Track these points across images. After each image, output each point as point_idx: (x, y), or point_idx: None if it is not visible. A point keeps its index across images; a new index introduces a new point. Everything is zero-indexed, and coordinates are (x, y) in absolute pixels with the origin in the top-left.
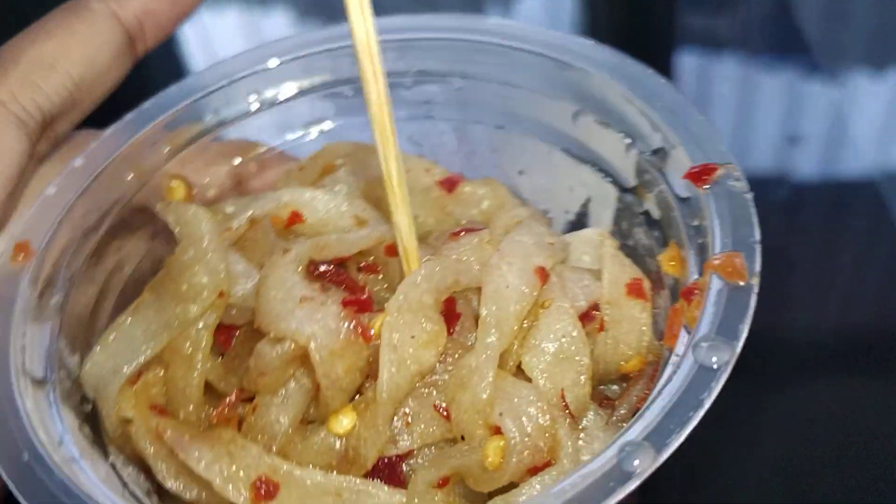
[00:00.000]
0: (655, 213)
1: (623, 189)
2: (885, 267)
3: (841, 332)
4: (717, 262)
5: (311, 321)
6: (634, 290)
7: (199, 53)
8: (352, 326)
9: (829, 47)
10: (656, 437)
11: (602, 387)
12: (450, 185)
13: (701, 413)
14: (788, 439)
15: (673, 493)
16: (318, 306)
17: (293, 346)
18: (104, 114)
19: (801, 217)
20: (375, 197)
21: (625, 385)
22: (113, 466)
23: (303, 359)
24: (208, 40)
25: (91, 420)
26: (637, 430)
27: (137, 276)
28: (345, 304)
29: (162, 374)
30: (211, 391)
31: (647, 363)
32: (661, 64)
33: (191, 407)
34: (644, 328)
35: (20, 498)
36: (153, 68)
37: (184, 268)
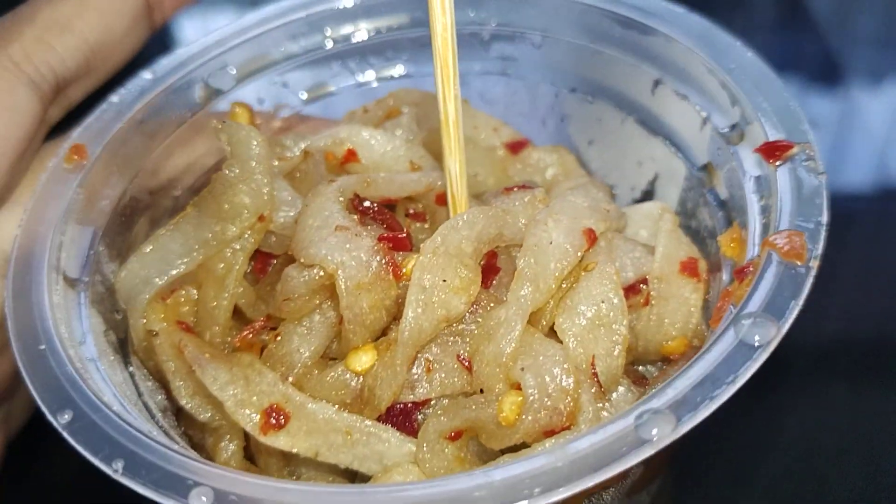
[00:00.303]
0: (723, 193)
1: (693, 166)
2: (889, 277)
3: (847, 340)
4: (776, 239)
5: (341, 250)
6: (688, 268)
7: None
8: (384, 262)
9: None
10: (680, 407)
11: (640, 367)
12: (516, 147)
13: (732, 390)
14: (795, 446)
15: (680, 499)
16: (351, 237)
17: (321, 273)
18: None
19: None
20: (436, 148)
21: (664, 367)
22: (132, 376)
23: (330, 289)
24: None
25: (118, 328)
26: (661, 399)
27: (191, 193)
28: (381, 239)
29: (195, 293)
30: (240, 317)
31: (691, 347)
32: None
33: (217, 328)
34: (693, 309)
35: (27, 382)
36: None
37: (227, 186)
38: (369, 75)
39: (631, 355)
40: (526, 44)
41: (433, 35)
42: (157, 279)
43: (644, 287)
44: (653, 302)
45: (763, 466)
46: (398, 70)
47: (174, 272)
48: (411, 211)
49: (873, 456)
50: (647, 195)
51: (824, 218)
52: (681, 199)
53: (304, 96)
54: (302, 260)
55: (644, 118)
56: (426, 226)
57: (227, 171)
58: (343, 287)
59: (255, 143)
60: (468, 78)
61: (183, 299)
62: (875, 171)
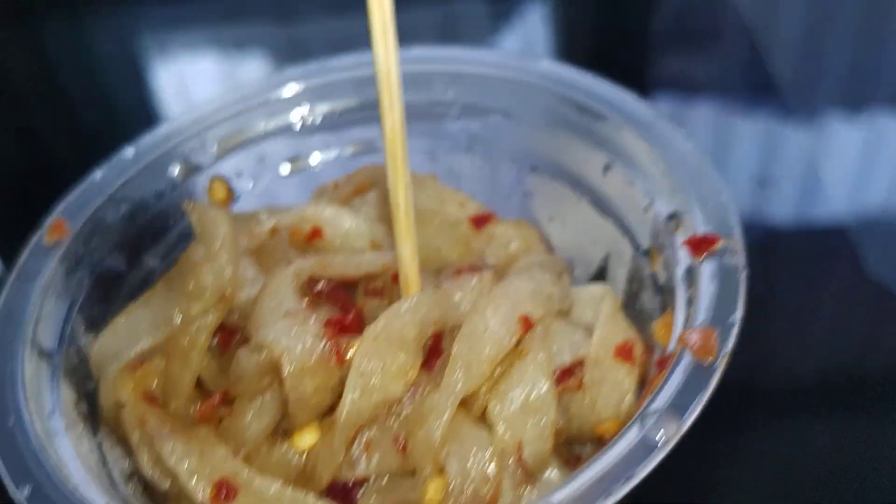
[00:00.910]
0: (661, 278)
1: (638, 249)
2: (862, 311)
3: (820, 374)
4: (690, 335)
5: (288, 335)
6: (623, 352)
7: (174, 101)
8: (327, 347)
9: (803, 91)
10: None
11: (576, 447)
12: (480, 221)
13: (628, 487)
14: (769, 481)
15: None
16: (299, 322)
17: (269, 356)
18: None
19: (778, 260)
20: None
21: (597, 447)
22: (100, 446)
23: (278, 371)
24: (184, 87)
25: (90, 397)
26: (560, 494)
27: (166, 267)
28: (327, 324)
29: (163, 364)
30: (205, 389)
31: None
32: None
33: (181, 400)
34: (626, 392)
35: None
36: (129, 114)
37: (193, 266)
38: (344, 150)
39: (564, 436)
40: (490, 124)
41: (384, 130)
42: (126, 352)
43: (579, 371)
44: (587, 386)
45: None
46: (372, 145)
47: (142, 346)
48: (371, 287)
49: (851, 492)
50: (602, 270)
51: (738, 316)
52: (628, 279)
53: (283, 170)
54: (253, 342)
55: (596, 199)
56: (384, 301)
57: (193, 253)
58: (287, 371)
59: (223, 225)
60: (437, 154)
61: (152, 370)
62: (849, 203)
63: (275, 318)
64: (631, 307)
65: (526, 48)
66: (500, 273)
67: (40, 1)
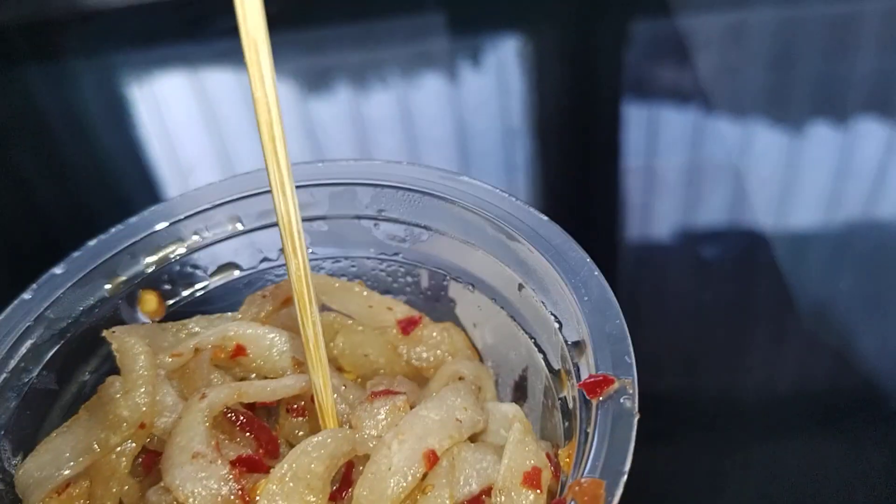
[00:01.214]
0: (569, 403)
1: (550, 369)
2: (839, 327)
3: (796, 393)
4: (578, 487)
5: (194, 479)
6: (531, 479)
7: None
8: (235, 489)
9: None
10: None
11: None
12: (408, 325)
13: None
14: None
15: None
16: (206, 465)
17: (175, 500)
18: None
19: (754, 274)
20: (324, 331)
21: None
22: None
23: None
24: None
25: None
26: None
27: (98, 381)
28: (235, 463)
29: (87, 486)
30: None
31: None
32: (609, 113)
33: None
34: None
35: None
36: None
37: (110, 397)
38: (273, 258)
39: None
40: (413, 234)
41: (289, 274)
42: (50, 479)
43: (487, 499)
44: None
45: None
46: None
47: (65, 473)
48: (294, 406)
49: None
50: (523, 381)
51: (626, 465)
52: (545, 394)
53: (216, 278)
54: (162, 483)
55: (513, 314)
56: (307, 420)
57: (108, 386)
58: None
59: (141, 357)
60: (365, 261)
61: (76, 493)
62: (824, 211)
63: (183, 458)
64: (548, 421)
65: (497, 83)
66: (427, 375)
67: (22, 46)
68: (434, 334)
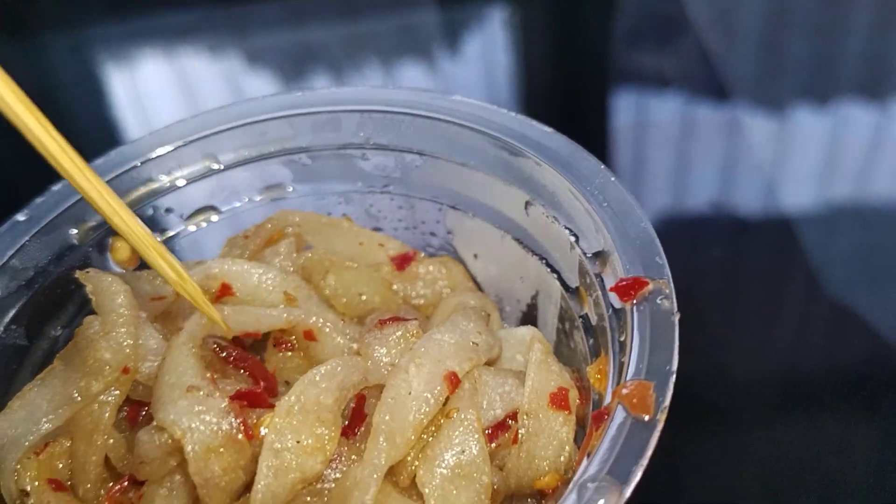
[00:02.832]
0: (593, 319)
1: (567, 288)
2: (821, 314)
3: (786, 374)
4: (625, 390)
5: (190, 414)
6: (558, 400)
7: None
8: (236, 424)
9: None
10: None
11: (517, 502)
12: (403, 261)
13: None
14: (738, 487)
15: None
16: (202, 398)
17: (171, 437)
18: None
19: (741, 259)
20: (317, 271)
21: (542, 502)
22: None
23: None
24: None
25: None
26: None
27: (70, 336)
28: (234, 397)
29: (68, 445)
30: (115, 469)
31: (565, 480)
32: (599, 102)
33: (89, 484)
34: (564, 443)
35: None
36: (87, 133)
37: (90, 341)
38: (255, 196)
39: (502, 495)
40: (405, 163)
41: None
42: (24, 439)
43: (513, 423)
44: (522, 439)
45: None
46: (283, 190)
47: (42, 429)
48: (281, 340)
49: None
50: (532, 309)
51: (673, 365)
52: (560, 318)
53: (191, 220)
54: (155, 421)
55: (520, 236)
56: (296, 356)
57: (87, 328)
58: (191, 453)
59: (120, 295)
60: (352, 195)
61: (57, 451)
62: (817, 194)
63: (175, 395)
64: (565, 346)
65: (485, 55)
66: (425, 316)
67: None
68: (431, 269)
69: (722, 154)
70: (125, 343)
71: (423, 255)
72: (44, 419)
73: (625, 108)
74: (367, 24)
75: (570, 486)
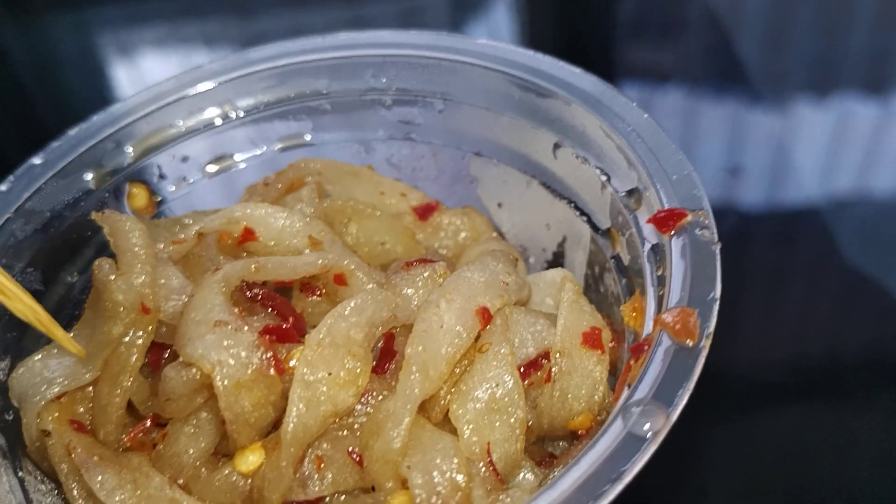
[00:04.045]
0: (625, 259)
1: (597, 230)
2: (833, 297)
3: (791, 363)
4: (668, 317)
5: (219, 348)
6: (591, 339)
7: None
8: (265, 357)
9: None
10: None
11: (549, 444)
12: (425, 211)
13: (619, 487)
14: (739, 472)
15: None
16: (231, 332)
17: (199, 372)
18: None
19: (748, 248)
20: (339, 218)
21: (573, 443)
22: (21, 481)
23: (213, 387)
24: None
25: (8, 431)
26: (544, 501)
27: (86, 283)
28: (263, 332)
29: (91, 390)
30: (137, 414)
31: (598, 421)
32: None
33: (111, 427)
34: (597, 382)
35: None
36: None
37: (103, 284)
38: (272, 145)
39: (535, 434)
40: (427, 109)
41: None
42: (57, 384)
43: (546, 362)
44: (555, 378)
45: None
46: (301, 138)
47: (81, 379)
48: (307, 284)
49: (820, 485)
50: (558, 256)
51: (717, 292)
52: (589, 263)
53: (207, 169)
54: (181, 358)
55: (548, 181)
56: (324, 300)
57: (98, 271)
58: (221, 388)
59: (136, 233)
60: (373, 144)
61: (78, 396)
62: (819, 187)
63: (203, 330)
64: (594, 291)
65: (491, 38)
66: (450, 264)
67: None
68: (453, 219)
69: (726, 147)
70: (138, 281)
71: (444, 206)
72: (83, 368)
73: (632, 94)
74: (370, 7)
75: (614, 411)
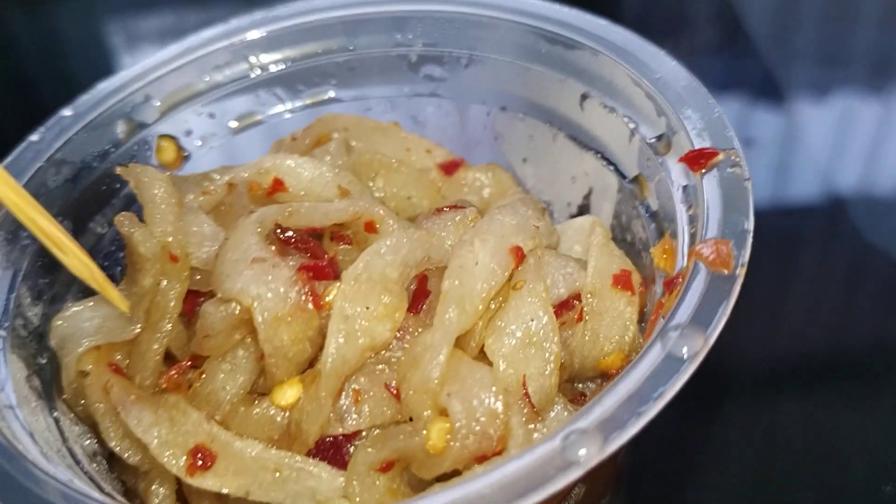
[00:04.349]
0: (654, 204)
1: (624, 179)
2: (837, 292)
3: (801, 352)
4: (702, 248)
5: (258, 282)
6: (621, 281)
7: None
8: (304, 292)
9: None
10: (607, 426)
11: (580, 384)
12: (450, 168)
13: (661, 405)
14: (747, 462)
15: None
16: (269, 268)
17: (239, 308)
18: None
19: (756, 238)
20: (367, 172)
21: (602, 383)
22: (56, 421)
23: (251, 324)
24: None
25: (43, 373)
26: (588, 418)
27: (115, 233)
28: (301, 269)
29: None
30: (173, 360)
31: (629, 361)
32: None
33: (147, 372)
34: (628, 322)
35: None
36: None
37: (127, 238)
38: (298, 102)
39: (567, 373)
40: (453, 64)
41: None
42: (101, 335)
43: (577, 303)
44: (586, 317)
45: (713, 485)
46: (327, 95)
47: (127, 334)
48: (338, 233)
49: (828, 473)
50: (583, 210)
51: (750, 224)
52: (615, 213)
53: (233, 126)
54: (219, 294)
55: (574, 133)
56: (354, 248)
57: (120, 226)
58: (261, 321)
59: (158, 184)
60: (399, 100)
61: (118, 343)
62: (819, 187)
63: (241, 267)
64: (620, 242)
65: None
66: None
67: None
68: (478, 175)
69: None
70: (159, 230)
71: (468, 163)
72: (129, 325)
73: None
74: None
75: (652, 336)
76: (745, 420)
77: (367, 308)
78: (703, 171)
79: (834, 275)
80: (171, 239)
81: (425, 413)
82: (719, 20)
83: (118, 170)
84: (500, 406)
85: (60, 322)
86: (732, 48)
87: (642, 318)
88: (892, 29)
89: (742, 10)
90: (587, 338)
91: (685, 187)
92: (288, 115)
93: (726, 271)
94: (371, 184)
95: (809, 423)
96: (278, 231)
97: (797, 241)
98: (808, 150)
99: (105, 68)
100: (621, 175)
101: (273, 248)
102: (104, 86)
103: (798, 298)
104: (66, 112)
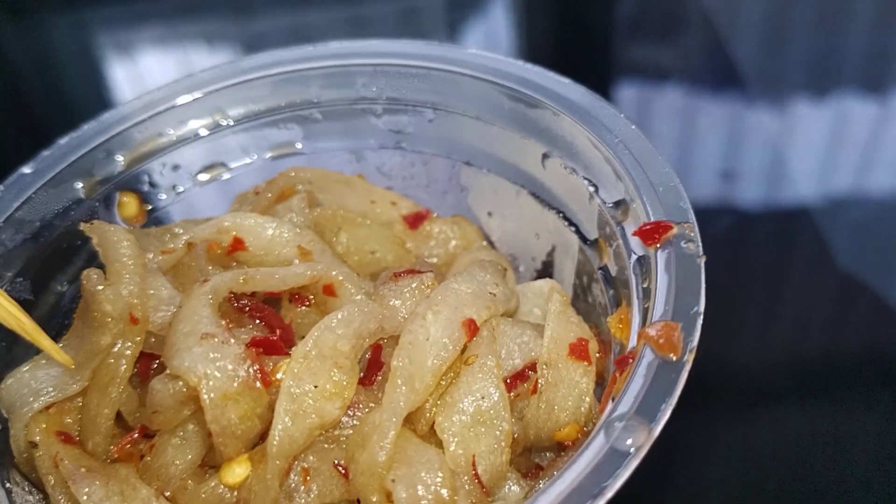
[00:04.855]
0: (612, 270)
1: (585, 241)
2: (829, 299)
3: (785, 363)
4: (651, 331)
5: (205, 361)
6: (577, 351)
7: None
8: (252, 370)
9: (767, 78)
10: None
11: (535, 456)
12: (416, 220)
13: (602, 502)
14: (735, 473)
15: None
16: (217, 345)
17: (186, 385)
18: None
19: (744, 249)
20: (330, 227)
21: (559, 455)
22: (8, 493)
23: (200, 399)
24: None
25: None
26: None
27: (76, 292)
28: (250, 344)
29: (79, 401)
30: (125, 425)
31: (584, 432)
32: (601, 87)
33: (99, 438)
34: (583, 394)
35: None
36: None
37: (92, 295)
38: (263, 154)
39: (521, 445)
40: (418, 118)
41: None
42: (45, 395)
43: (532, 373)
44: (541, 389)
45: (702, 495)
46: (292, 147)
47: (69, 390)
48: (297, 295)
49: (816, 484)
50: (547, 266)
51: (700, 306)
52: (577, 273)
53: (199, 178)
54: (168, 370)
55: (537, 190)
56: (312, 310)
57: (86, 281)
58: (207, 401)
59: (124, 244)
60: (364, 153)
61: (67, 407)
62: (815, 188)
63: (190, 342)
64: (582, 301)
65: (488, 40)
66: (440, 273)
67: None
68: (444, 228)
69: (725, 144)
70: (126, 291)
71: (435, 214)
72: (70, 379)
73: (627, 99)
74: (368, 7)
75: (597, 426)
76: (731, 430)
77: (316, 387)
78: (658, 245)
79: (822, 284)
80: (135, 300)
81: (373, 497)
82: (712, 22)
83: (82, 226)
84: (445, 492)
85: (7, 385)
86: (726, 51)
87: (601, 380)
88: (883, 33)
89: (732, 15)
90: (542, 409)
91: (640, 258)
92: (253, 167)
93: (674, 357)
94: (335, 238)
95: (798, 432)
96: (232, 299)
97: (787, 249)
98: (802, 152)
99: (96, 81)
100: (582, 237)
101: (225, 321)
102: (65, 141)
103: (789, 306)
104: (26, 169)
